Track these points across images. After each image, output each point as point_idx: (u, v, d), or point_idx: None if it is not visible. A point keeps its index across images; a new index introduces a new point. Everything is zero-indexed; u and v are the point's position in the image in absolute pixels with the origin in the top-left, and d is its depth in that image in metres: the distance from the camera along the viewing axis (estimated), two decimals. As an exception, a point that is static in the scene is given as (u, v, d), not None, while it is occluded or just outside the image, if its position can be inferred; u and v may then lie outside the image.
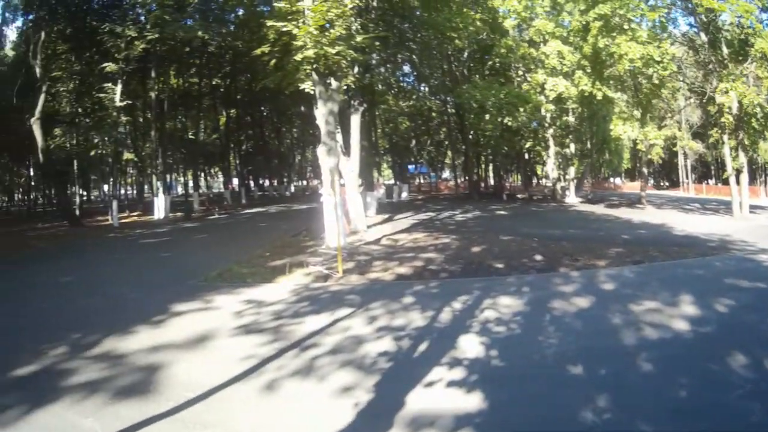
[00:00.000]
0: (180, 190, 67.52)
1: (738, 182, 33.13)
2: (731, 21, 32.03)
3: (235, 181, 65.49)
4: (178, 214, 34.86)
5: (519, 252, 15.64)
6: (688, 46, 39.41)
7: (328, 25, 16.21)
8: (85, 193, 73.15)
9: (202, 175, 77.92)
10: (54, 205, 46.21)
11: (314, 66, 17.11)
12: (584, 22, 33.24)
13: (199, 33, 31.41)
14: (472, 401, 5.52)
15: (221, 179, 74.08)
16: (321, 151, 17.89)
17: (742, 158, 33.27)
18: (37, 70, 31.71)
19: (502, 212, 32.78)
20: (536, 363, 6.74)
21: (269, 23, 17.12)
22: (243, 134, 66.14)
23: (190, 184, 63.17)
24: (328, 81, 18.08)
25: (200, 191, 72.84)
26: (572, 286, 10.96)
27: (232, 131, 61.70)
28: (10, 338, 8.45)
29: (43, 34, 32.15)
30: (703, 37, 33.83)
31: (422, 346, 7.33)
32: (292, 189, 69.05)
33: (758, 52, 28.85)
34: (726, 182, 69.17)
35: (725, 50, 32.48)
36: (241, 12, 31.34)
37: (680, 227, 23.73)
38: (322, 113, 17.99)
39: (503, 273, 12.58)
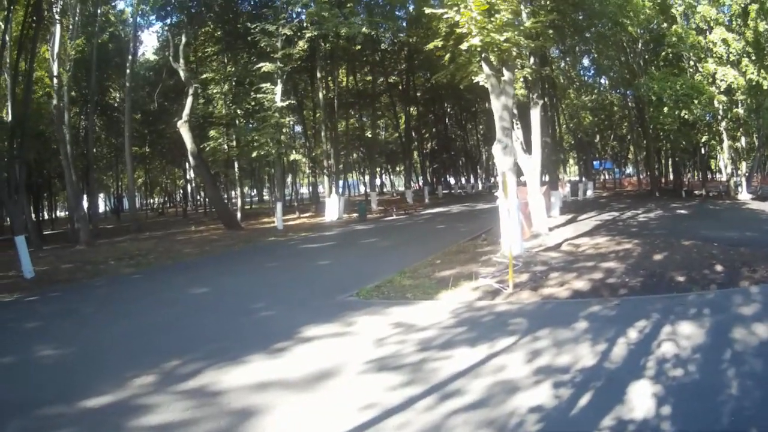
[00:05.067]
0: (362, 189, 68.11)
1: None
2: None
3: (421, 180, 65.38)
4: (353, 215, 34.67)
5: (700, 261, 13.65)
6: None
7: (492, 11, 14.72)
8: (254, 193, 75.86)
9: (385, 174, 78.43)
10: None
11: (482, 56, 15.86)
12: (743, 5, 32.17)
13: (363, 30, 30.54)
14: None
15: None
16: (496, 149, 16.30)
17: None
18: (182, 73, 32.62)
19: (682, 211, 30.30)
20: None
21: (428, 11, 16.29)
22: (426, 132, 66.49)
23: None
24: (500, 72, 16.63)
25: (384, 190, 73.58)
26: (751, 307, 9.06)
27: (413, 129, 61.65)
28: (101, 360, 8.05)
29: (184, 38, 32.94)
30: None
31: (584, 400, 5.79)
32: (480, 187, 68.08)
33: None
34: None
35: None
36: (412, 7, 30.41)
37: None
38: (495, 108, 16.52)
39: (684, 288, 10.78)
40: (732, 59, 34.23)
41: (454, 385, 6.25)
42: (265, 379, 6.79)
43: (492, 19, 14.38)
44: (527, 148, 21.48)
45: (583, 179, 57.04)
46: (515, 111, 21.69)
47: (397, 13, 36.18)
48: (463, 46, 14.99)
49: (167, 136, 45.07)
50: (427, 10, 16.20)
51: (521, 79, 21.50)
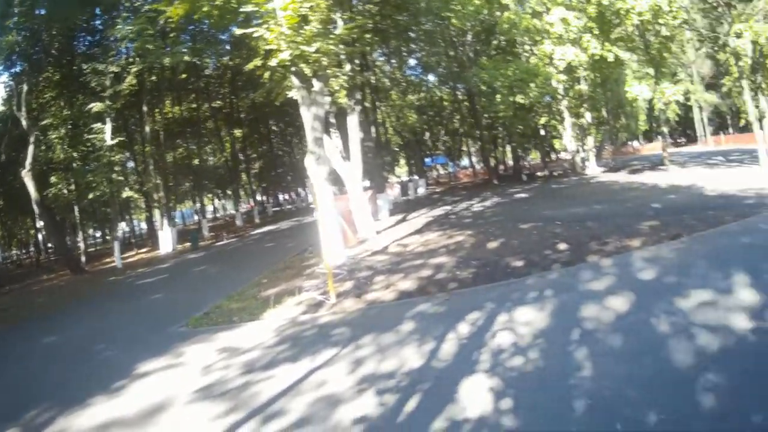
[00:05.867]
0: (196, 218, 67.69)
1: (761, 128, 31.50)
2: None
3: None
4: (187, 244, 34.02)
5: (540, 242, 13.75)
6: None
7: (302, 24, 14.68)
8: (99, 235, 74.21)
9: (217, 199, 78.11)
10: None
11: (292, 69, 15.70)
12: None
13: (186, 57, 30.27)
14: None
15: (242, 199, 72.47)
16: (309, 160, 16.13)
17: (763, 103, 32.11)
18: (23, 122, 31.53)
19: (522, 195, 30.94)
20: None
21: (239, 31, 15.78)
22: (252, 152, 66.25)
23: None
24: (311, 84, 16.45)
25: (217, 215, 73.13)
26: (604, 281, 9.04)
27: (240, 151, 61.57)
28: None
29: (25, 86, 31.85)
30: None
31: (411, 404, 5.67)
32: (309, 200, 68.28)
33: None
34: (744, 130, 69.05)
35: (732, -10, 31.49)
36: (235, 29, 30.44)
37: (710, 186, 21.59)
38: (306, 119, 16.41)
39: (522, 273, 10.73)
40: (572, 37, 35.12)
41: (276, 406, 6.25)
42: (108, 418, 6.91)
43: (301, 31, 14.37)
44: (346, 155, 21.57)
45: (414, 177, 58.52)
46: (333, 120, 22.12)
47: (221, 37, 35.82)
48: (273, 62, 14.87)
49: (17, 187, 43.58)
50: (239, 31, 15.84)
51: (337, 87, 21.46)
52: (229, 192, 68.81)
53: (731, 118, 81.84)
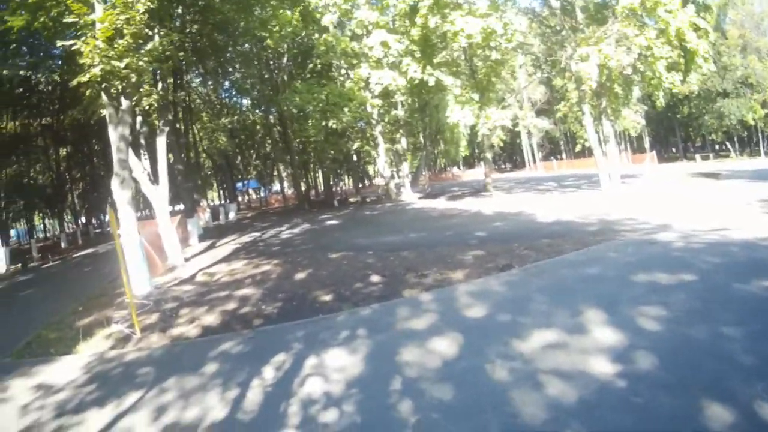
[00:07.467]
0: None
1: (604, 152, 32.50)
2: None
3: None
4: (19, 265, 31.89)
5: (351, 273, 13.30)
6: (532, 17, 38.89)
7: (118, 36, 14.08)
8: None
9: (47, 218, 74.92)
10: None
11: (102, 85, 14.82)
12: (412, 3, 32.86)
13: (21, 72, 29.04)
14: None
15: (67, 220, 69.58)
16: (114, 183, 15.29)
17: (607, 127, 33.10)
18: None
19: (333, 221, 30.66)
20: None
21: (59, 43, 15.21)
22: (78, 172, 63.40)
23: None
24: (119, 102, 15.67)
25: (48, 235, 70.06)
26: (425, 319, 8.55)
27: (66, 170, 59.12)
28: None
29: None
30: (554, 3, 33.42)
31: None
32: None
33: (625, 10, 27.25)
34: (579, 155, 72.01)
35: (580, 15, 32.29)
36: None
37: (543, 212, 21.74)
38: (113, 139, 15.53)
39: (332, 308, 10.23)
40: (391, 61, 35.08)
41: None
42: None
43: (115, 45, 13.83)
44: (154, 177, 20.79)
45: (226, 202, 58.64)
46: (143, 141, 21.46)
47: (54, 51, 34.39)
48: (85, 78, 14.12)
49: None
50: (60, 43, 15.21)
51: (147, 107, 20.56)
52: (56, 211, 66.31)
53: (565, 143, 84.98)
